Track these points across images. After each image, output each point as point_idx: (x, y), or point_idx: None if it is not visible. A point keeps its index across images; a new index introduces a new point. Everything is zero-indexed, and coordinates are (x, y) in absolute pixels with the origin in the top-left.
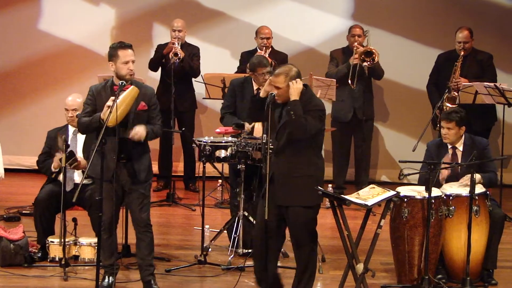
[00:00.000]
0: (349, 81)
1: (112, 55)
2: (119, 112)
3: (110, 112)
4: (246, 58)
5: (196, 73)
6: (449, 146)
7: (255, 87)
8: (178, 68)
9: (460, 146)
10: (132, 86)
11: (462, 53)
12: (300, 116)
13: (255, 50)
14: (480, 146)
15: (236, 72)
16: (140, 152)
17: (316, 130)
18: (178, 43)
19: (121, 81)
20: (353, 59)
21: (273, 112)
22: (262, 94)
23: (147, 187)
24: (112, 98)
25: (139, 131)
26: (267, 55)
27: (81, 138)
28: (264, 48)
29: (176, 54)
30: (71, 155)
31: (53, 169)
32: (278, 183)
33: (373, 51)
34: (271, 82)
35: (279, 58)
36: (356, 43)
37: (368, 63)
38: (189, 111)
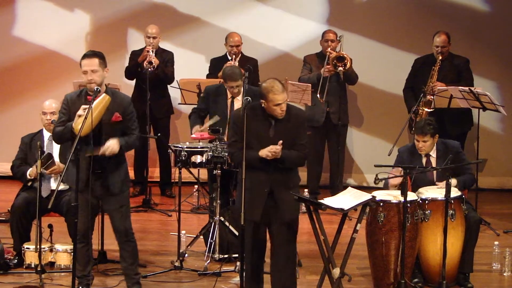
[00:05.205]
0: (318, 95)
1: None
2: (90, 120)
3: (83, 122)
4: (216, 64)
5: (171, 79)
6: (423, 154)
7: (228, 95)
8: (153, 75)
9: (433, 153)
10: (103, 94)
11: (440, 57)
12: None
13: (224, 57)
14: (454, 150)
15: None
16: (114, 164)
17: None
18: (152, 51)
19: (96, 87)
20: (324, 71)
21: (258, 123)
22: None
23: (124, 196)
24: (84, 106)
25: (110, 146)
26: (236, 63)
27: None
28: (233, 56)
29: (150, 63)
30: (49, 157)
31: (28, 177)
32: (279, 197)
33: (345, 56)
34: (282, 100)
35: (250, 64)
36: (329, 49)
37: (341, 68)
38: (165, 117)
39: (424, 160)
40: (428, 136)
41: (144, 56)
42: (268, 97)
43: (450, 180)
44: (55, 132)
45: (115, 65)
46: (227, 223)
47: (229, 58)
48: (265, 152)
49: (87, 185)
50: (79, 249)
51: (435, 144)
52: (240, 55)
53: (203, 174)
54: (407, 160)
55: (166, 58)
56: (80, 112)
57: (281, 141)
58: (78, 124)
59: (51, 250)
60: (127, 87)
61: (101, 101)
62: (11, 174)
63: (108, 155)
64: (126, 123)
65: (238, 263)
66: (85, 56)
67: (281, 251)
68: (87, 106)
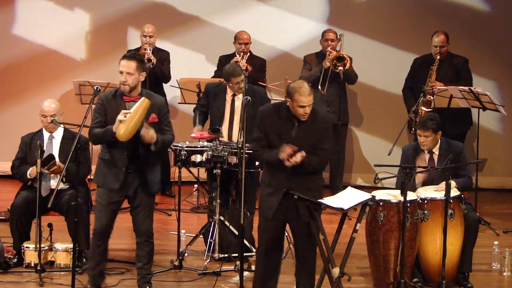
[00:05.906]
0: (319, 87)
1: None
2: (131, 125)
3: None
4: (225, 62)
5: (167, 78)
6: (426, 151)
7: (229, 93)
8: (150, 74)
9: (436, 151)
10: (143, 98)
11: (438, 57)
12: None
13: (233, 54)
14: (456, 150)
15: (213, 76)
16: (151, 164)
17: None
18: (149, 49)
19: (96, 87)
20: (326, 62)
21: (281, 122)
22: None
23: (154, 197)
24: (124, 111)
25: (151, 132)
26: (244, 61)
27: (56, 143)
28: (242, 53)
29: (149, 60)
30: (51, 158)
31: (28, 176)
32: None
33: (345, 56)
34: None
35: (258, 63)
36: (329, 48)
37: (341, 68)
38: None
39: (427, 157)
40: (430, 131)
41: (142, 53)
42: (294, 96)
43: (450, 180)
44: (93, 134)
45: (114, 64)
46: (227, 223)
47: (238, 55)
48: (283, 155)
49: (122, 184)
50: (95, 248)
51: (439, 142)
52: (248, 53)
53: (203, 173)
54: (411, 157)
55: (163, 57)
56: (120, 117)
57: (303, 153)
58: (120, 129)
59: (50, 249)
60: None
61: (141, 104)
62: (11, 173)
63: (145, 140)
64: (161, 124)
65: (237, 263)
66: (124, 57)
67: (300, 252)
68: (128, 111)
